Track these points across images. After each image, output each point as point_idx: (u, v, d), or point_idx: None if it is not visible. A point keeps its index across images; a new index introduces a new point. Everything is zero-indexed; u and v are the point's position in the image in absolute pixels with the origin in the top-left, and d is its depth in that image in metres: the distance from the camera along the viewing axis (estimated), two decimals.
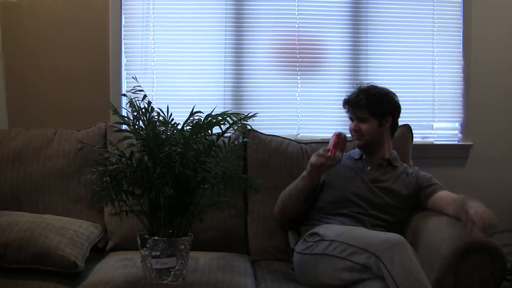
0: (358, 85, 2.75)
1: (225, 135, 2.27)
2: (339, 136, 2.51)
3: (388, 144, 2.74)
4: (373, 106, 2.64)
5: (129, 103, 2.19)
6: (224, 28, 3.44)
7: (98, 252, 2.71)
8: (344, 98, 2.74)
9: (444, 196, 2.55)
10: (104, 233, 2.79)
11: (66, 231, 2.46)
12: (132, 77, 2.33)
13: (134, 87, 2.19)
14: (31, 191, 2.79)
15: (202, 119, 2.14)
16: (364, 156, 2.73)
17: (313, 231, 2.48)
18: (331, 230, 2.40)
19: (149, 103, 2.17)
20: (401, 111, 2.75)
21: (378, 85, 2.74)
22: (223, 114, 2.14)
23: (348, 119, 2.75)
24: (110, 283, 2.18)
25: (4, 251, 2.29)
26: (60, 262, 2.31)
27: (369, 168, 2.69)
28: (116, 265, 2.45)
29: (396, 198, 2.61)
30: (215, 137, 2.23)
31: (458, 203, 2.33)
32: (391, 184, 2.64)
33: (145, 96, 2.18)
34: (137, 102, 2.17)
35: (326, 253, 2.31)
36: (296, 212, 2.70)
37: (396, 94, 2.75)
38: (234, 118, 2.17)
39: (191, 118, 2.20)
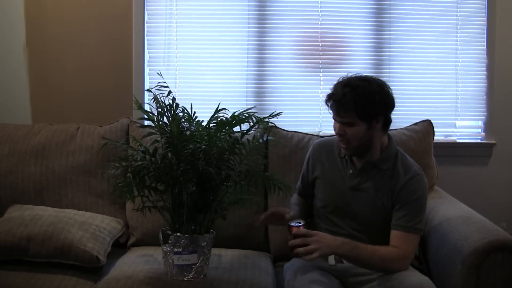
0: (344, 78, 2.27)
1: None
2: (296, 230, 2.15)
3: (380, 143, 2.33)
4: (361, 108, 2.19)
5: (153, 99, 2.19)
6: (247, 25, 3.42)
7: (119, 247, 2.72)
8: (328, 93, 2.28)
9: (395, 236, 2.23)
10: (126, 228, 2.81)
11: (89, 226, 2.49)
12: (157, 73, 2.30)
13: (158, 83, 2.19)
14: (54, 186, 2.81)
15: (227, 116, 2.15)
16: (346, 157, 2.40)
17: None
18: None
19: (174, 99, 2.17)
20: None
21: (369, 77, 2.28)
22: (247, 113, 2.16)
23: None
24: (132, 278, 2.20)
25: (27, 245, 2.33)
26: (82, 256, 2.34)
27: (350, 172, 2.37)
28: (137, 260, 2.46)
29: (374, 208, 2.32)
30: (239, 135, 2.23)
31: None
32: (371, 193, 2.32)
33: (169, 92, 2.18)
34: (162, 98, 2.18)
35: None
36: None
37: (389, 86, 2.29)
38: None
39: (216, 115, 2.21)
